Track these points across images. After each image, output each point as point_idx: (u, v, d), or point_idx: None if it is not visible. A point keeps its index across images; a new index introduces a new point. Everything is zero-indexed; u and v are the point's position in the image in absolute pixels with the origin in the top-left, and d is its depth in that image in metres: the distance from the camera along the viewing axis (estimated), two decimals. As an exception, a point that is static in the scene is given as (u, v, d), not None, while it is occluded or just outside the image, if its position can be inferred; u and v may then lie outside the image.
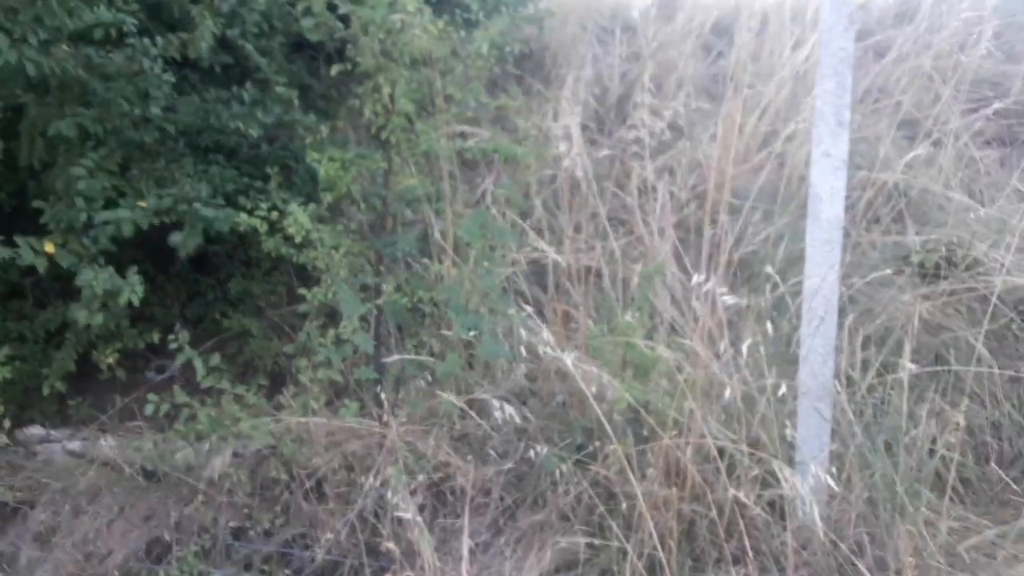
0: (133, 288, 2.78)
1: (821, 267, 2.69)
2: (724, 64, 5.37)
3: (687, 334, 3.28)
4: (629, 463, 2.37)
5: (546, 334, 2.56)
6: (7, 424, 2.99)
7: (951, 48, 5.15)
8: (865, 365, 3.03)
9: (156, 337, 3.14)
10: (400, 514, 2.39)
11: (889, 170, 4.27)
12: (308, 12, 2.59)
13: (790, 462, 2.59)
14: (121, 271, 2.83)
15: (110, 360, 3.26)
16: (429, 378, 2.71)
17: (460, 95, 2.75)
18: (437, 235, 2.84)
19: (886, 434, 2.81)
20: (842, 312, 3.48)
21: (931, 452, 2.83)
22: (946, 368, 3.27)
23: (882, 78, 5.12)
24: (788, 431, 2.63)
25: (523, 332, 2.64)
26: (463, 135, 2.76)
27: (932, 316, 3.52)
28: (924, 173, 4.36)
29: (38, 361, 3.38)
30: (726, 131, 4.47)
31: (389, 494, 2.45)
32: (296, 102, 3.07)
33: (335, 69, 2.69)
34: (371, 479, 2.56)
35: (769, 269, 2.96)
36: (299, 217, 2.50)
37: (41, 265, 2.75)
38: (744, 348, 2.71)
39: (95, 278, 2.73)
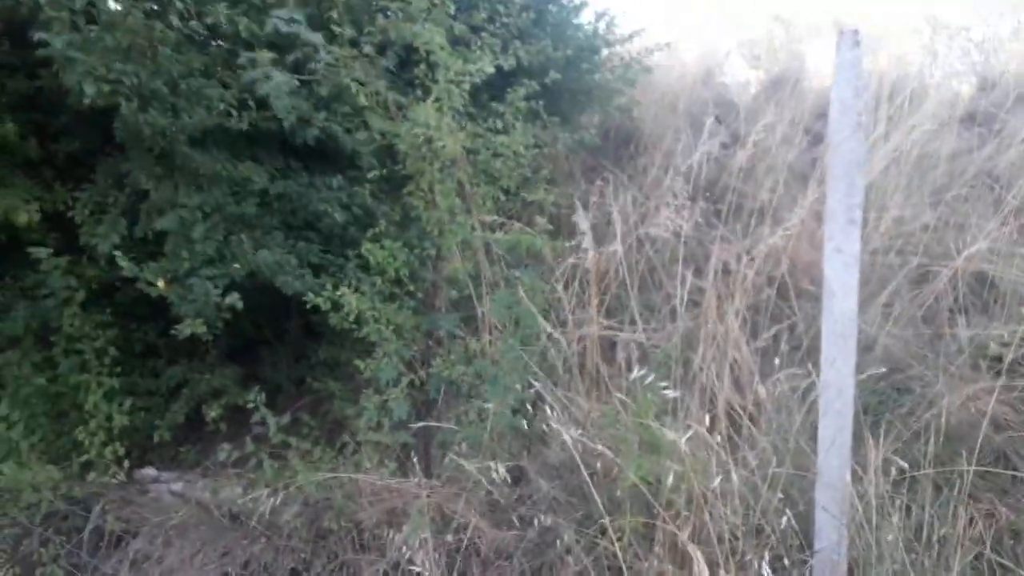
0: (235, 303, 3.34)
1: (835, 361, 2.82)
2: (821, 149, 5.48)
3: (737, 418, 3.49)
4: (637, 539, 2.59)
5: (578, 408, 2.86)
6: (127, 464, 3.67)
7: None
8: (912, 461, 3.04)
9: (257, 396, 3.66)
10: (418, 569, 2.74)
11: (986, 261, 4.23)
12: (362, 126, 3.14)
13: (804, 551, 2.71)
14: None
15: (214, 414, 3.86)
16: (463, 446, 3.06)
17: (492, 191, 3.18)
18: (480, 313, 3.24)
19: (912, 531, 2.83)
20: (891, 402, 3.54)
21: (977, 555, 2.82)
22: (1011, 472, 3.21)
23: (992, 163, 5.04)
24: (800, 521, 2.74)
25: (549, 408, 2.92)
26: (493, 227, 3.16)
27: (1001, 412, 3.45)
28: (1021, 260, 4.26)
29: (160, 413, 4.07)
30: (809, 217, 4.62)
31: (411, 550, 2.80)
32: (371, 193, 3.61)
33: (372, 174, 3.23)
34: (401, 535, 2.93)
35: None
36: (350, 299, 2.99)
37: (153, 292, 3.36)
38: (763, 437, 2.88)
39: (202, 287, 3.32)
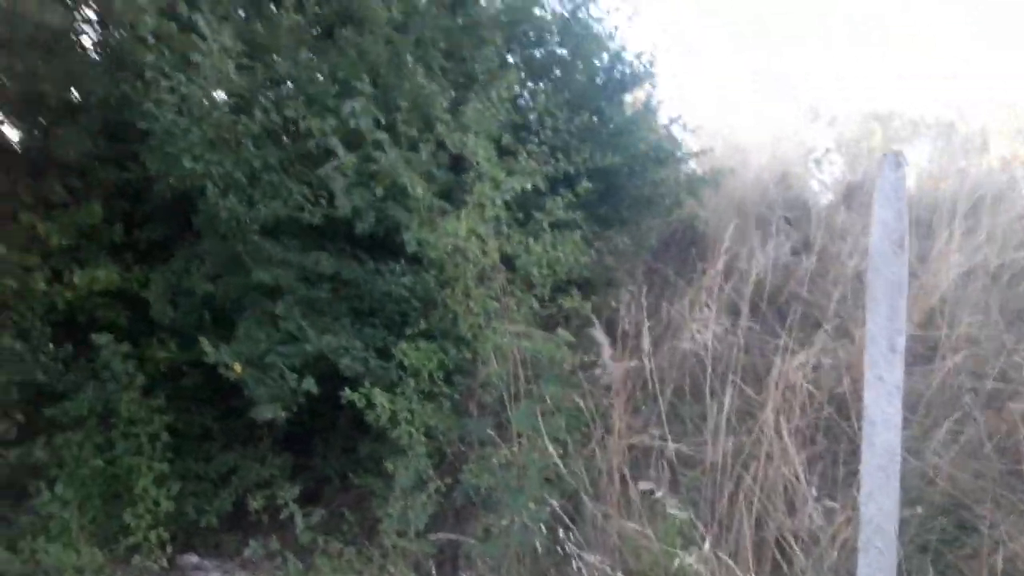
0: (311, 387, 3.45)
1: (876, 495, 2.68)
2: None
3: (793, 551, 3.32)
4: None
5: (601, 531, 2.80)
6: (170, 550, 3.79)
7: None
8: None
9: (288, 493, 3.74)
10: None
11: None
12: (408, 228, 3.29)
13: None
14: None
15: (256, 505, 3.96)
16: (485, 560, 3.03)
17: (527, 298, 3.24)
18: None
19: None
20: (953, 542, 3.29)
21: None
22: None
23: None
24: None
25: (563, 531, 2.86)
26: (523, 335, 3.19)
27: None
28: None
29: (208, 498, 4.20)
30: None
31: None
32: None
33: (408, 279, 3.35)
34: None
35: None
36: (381, 399, 3.07)
37: (231, 375, 3.52)
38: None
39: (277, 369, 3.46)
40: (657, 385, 3.62)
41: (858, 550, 2.67)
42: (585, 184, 3.73)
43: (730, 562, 2.75)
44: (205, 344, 3.43)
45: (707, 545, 2.82)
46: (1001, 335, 4.24)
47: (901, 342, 2.73)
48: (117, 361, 3.74)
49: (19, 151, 4.16)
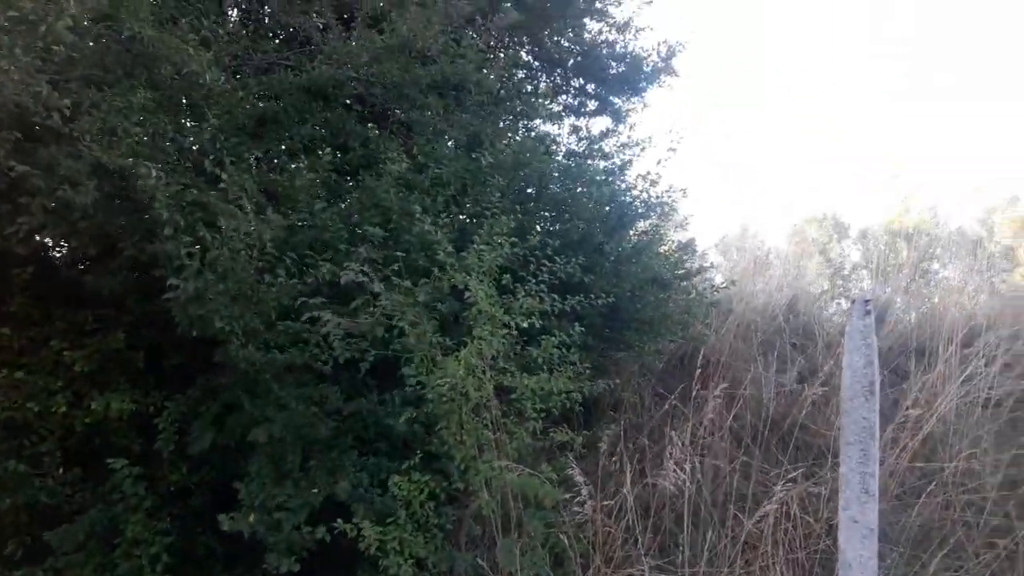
0: (323, 536, 3.52)
1: (854, 641, 2.70)
2: (898, 390, 5.36)
3: None
4: None
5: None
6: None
7: None
8: None
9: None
10: None
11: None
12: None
13: None
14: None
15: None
16: None
17: (519, 432, 3.38)
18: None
19: None
20: None
21: None
22: None
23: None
24: None
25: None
26: (510, 469, 3.30)
27: None
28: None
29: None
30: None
31: None
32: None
33: (404, 416, 3.52)
34: None
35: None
36: (369, 531, 3.17)
37: (246, 529, 3.61)
38: None
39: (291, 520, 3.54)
40: (637, 523, 3.70)
41: None
42: (579, 328, 3.92)
43: None
44: (222, 519, 3.55)
45: None
46: (1001, 470, 4.26)
47: (874, 486, 2.82)
48: (128, 483, 3.88)
49: (60, 279, 4.46)
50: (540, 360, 3.66)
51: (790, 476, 4.73)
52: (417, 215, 3.86)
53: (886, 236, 19.50)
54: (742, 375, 5.67)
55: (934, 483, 4.27)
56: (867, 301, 3.04)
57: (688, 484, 4.31)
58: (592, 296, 4.26)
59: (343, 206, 4.21)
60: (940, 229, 20.13)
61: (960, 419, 4.75)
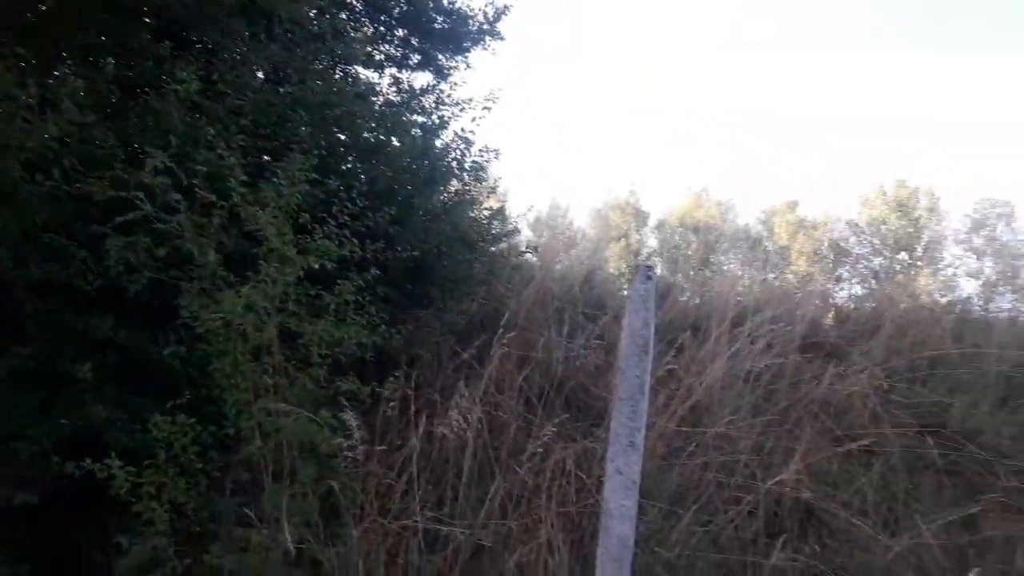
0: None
1: (609, 585, 2.80)
2: (674, 361, 5.69)
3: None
4: None
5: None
6: None
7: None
8: None
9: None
10: None
11: (807, 488, 4.35)
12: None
13: None
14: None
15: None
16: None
17: (303, 378, 3.23)
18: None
19: None
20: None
21: None
22: None
23: (831, 392, 5.31)
24: None
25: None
26: (285, 414, 3.14)
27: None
28: (843, 491, 4.42)
29: None
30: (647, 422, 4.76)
31: None
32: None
33: (170, 350, 3.26)
34: None
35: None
36: (119, 473, 2.88)
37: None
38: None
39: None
40: (416, 473, 3.66)
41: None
42: (375, 272, 3.78)
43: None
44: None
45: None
46: (752, 436, 4.65)
47: (640, 440, 2.92)
48: None
49: None
50: (333, 306, 3.48)
51: (570, 435, 4.91)
52: (209, 137, 3.53)
53: (680, 228, 21.01)
54: (536, 339, 5.80)
55: (696, 445, 4.58)
56: (649, 267, 3.15)
57: (471, 438, 4.34)
58: (397, 248, 4.13)
59: (123, 123, 3.77)
60: (727, 225, 21.91)
61: (724, 390, 5.13)
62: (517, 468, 4.44)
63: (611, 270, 12.15)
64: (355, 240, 3.73)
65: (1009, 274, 12.09)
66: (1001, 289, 9.24)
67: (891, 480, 4.57)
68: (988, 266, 16.32)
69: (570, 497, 4.33)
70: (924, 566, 3.93)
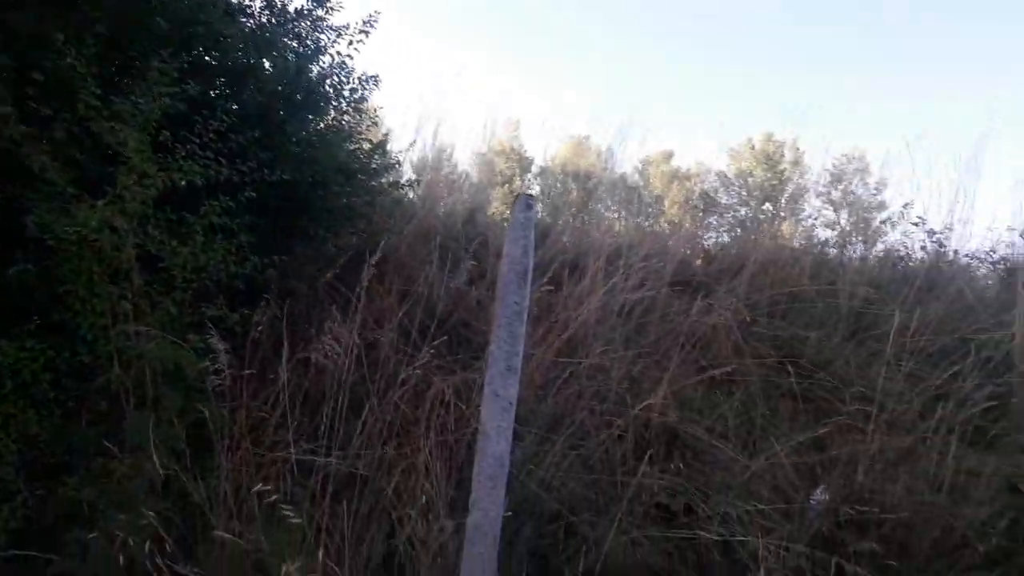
0: None
1: (485, 503, 2.84)
2: (553, 297, 5.78)
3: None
4: None
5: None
6: None
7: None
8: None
9: None
10: None
11: (674, 414, 4.55)
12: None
13: None
14: None
15: None
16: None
17: (166, 303, 3.04)
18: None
19: None
20: (560, 545, 3.61)
21: None
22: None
23: (698, 325, 5.54)
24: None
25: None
26: (148, 339, 2.98)
27: (662, 560, 3.63)
28: (707, 417, 4.66)
29: None
30: (526, 354, 4.84)
31: None
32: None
33: (16, 268, 2.99)
34: None
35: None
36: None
37: None
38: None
39: None
40: (292, 401, 3.58)
41: (463, 553, 2.81)
42: (249, 193, 3.59)
43: (336, 569, 2.74)
44: None
45: (320, 553, 2.79)
46: (624, 367, 4.80)
47: (517, 364, 2.95)
48: None
49: None
50: (199, 229, 3.28)
51: (450, 367, 4.92)
52: (60, 45, 3.21)
53: (561, 175, 21.26)
54: (417, 274, 5.74)
55: (570, 374, 4.69)
56: (529, 196, 3.14)
57: (348, 366, 4.26)
58: (266, 171, 3.92)
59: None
60: (606, 174, 22.36)
61: (599, 323, 5.25)
62: (398, 401, 4.41)
63: (495, 213, 12.15)
64: (222, 160, 3.51)
65: (861, 225, 12.91)
66: (854, 239, 9.85)
67: (750, 406, 4.84)
68: (844, 218, 17.42)
69: (449, 426, 4.35)
70: (778, 483, 4.22)
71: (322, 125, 5.35)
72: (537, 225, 7.87)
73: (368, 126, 6.30)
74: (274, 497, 2.70)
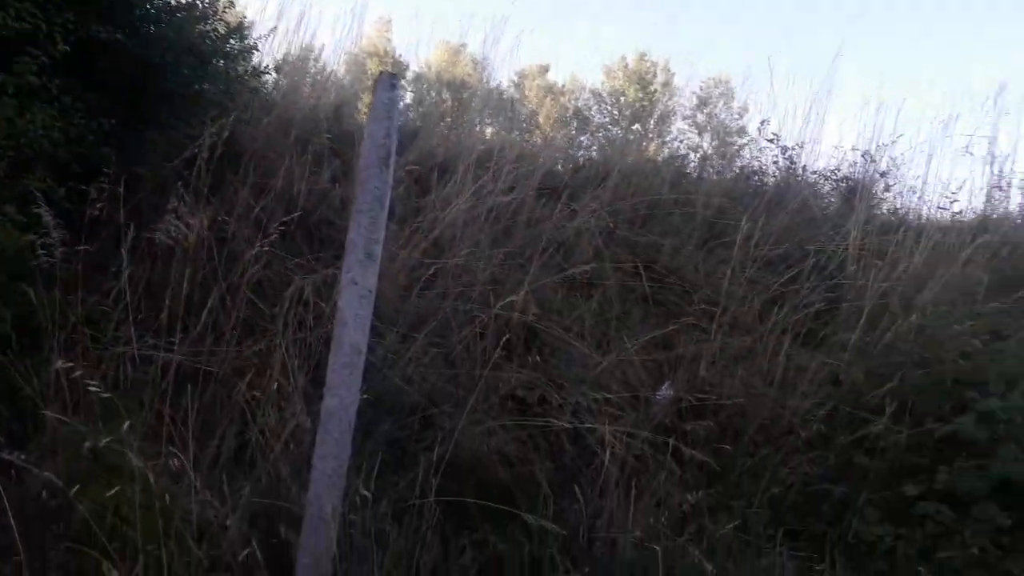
0: None
1: (340, 390, 2.81)
2: (421, 200, 5.68)
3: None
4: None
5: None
6: None
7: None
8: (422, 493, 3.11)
9: None
10: None
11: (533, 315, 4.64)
12: None
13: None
14: None
15: None
16: None
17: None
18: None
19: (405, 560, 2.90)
20: (416, 436, 3.67)
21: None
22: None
23: (562, 232, 5.62)
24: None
25: None
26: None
27: (515, 450, 3.77)
28: (566, 317, 4.81)
29: None
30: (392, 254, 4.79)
31: None
32: None
33: None
34: None
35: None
36: None
37: None
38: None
39: None
40: (136, 293, 3.38)
41: (316, 439, 2.79)
42: (63, 47, 3.23)
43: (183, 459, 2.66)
44: None
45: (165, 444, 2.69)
46: (489, 269, 4.84)
47: (378, 251, 2.88)
48: None
49: None
50: (11, 90, 2.93)
51: (311, 267, 4.78)
52: None
53: (436, 83, 20.74)
54: (277, 169, 5.47)
55: (435, 274, 4.69)
56: (393, 76, 3.02)
57: (201, 262, 4.07)
58: (94, 28, 3.52)
59: None
60: (482, 85, 22.02)
61: (467, 225, 5.24)
62: (255, 299, 4.27)
63: (364, 113, 11.72)
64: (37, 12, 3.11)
65: (722, 150, 13.44)
66: (715, 162, 10.23)
67: (607, 308, 5.02)
68: (707, 141, 18.11)
69: (308, 324, 4.27)
70: (628, 378, 4.44)
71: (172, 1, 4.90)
72: (406, 126, 7.69)
73: (225, 7, 5.81)
74: (114, 392, 2.55)
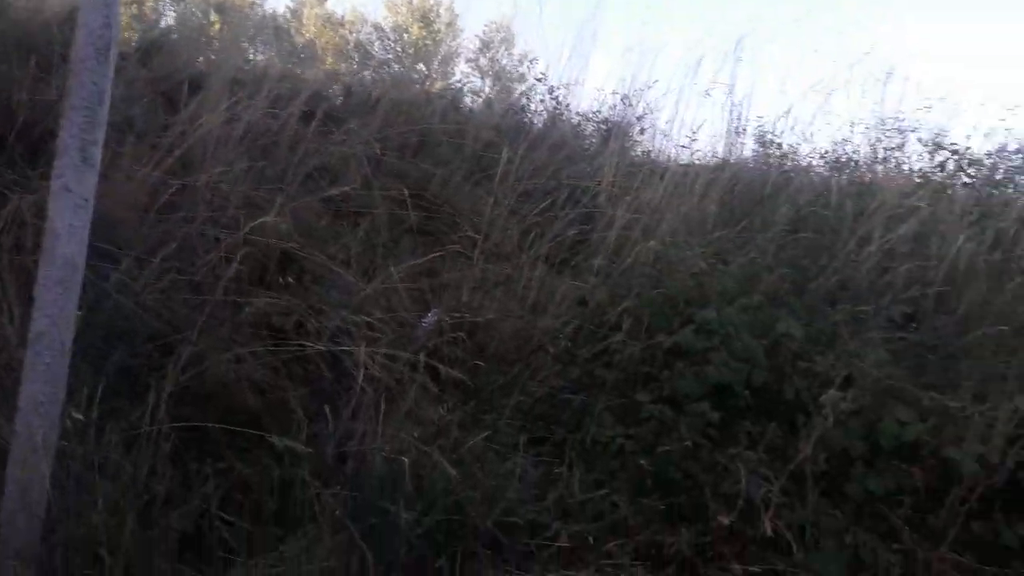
0: None
1: (52, 309, 2.52)
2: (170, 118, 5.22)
3: None
4: None
5: None
6: None
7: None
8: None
9: None
10: None
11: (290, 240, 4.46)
12: None
13: None
14: None
15: None
16: None
17: None
18: None
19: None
20: (154, 364, 3.43)
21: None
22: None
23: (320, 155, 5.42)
24: None
25: None
26: None
27: (265, 376, 3.64)
28: (330, 246, 4.68)
29: None
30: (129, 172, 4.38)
31: None
32: None
33: None
34: None
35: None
36: None
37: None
38: None
39: None
40: None
41: (24, 363, 2.50)
42: None
43: None
44: None
45: None
46: (240, 189, 4.57)
47: (96, 155, 2.60)
48: None
49: None
50: None
51: (30, 184, 4.24)
52: None
53: (203, 3, 19.06)
54: None
55: (180, 194, 4.34)
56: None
57: None
58: None
59: None
60: (254, 11, 20.61)
61: (220, 145, 4.89)
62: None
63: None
64: None
65: (504, 95, 13.66)
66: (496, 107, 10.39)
67: (374, 236, 4.96)
68: (488, 86, 18.28)
69: (27, 246, 3.82)
70: (392, 305, 4.43)
71: None
72: (163, 45, 6.98)
73: None
74: None
